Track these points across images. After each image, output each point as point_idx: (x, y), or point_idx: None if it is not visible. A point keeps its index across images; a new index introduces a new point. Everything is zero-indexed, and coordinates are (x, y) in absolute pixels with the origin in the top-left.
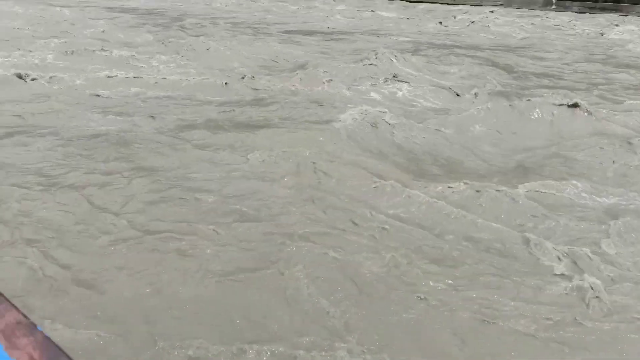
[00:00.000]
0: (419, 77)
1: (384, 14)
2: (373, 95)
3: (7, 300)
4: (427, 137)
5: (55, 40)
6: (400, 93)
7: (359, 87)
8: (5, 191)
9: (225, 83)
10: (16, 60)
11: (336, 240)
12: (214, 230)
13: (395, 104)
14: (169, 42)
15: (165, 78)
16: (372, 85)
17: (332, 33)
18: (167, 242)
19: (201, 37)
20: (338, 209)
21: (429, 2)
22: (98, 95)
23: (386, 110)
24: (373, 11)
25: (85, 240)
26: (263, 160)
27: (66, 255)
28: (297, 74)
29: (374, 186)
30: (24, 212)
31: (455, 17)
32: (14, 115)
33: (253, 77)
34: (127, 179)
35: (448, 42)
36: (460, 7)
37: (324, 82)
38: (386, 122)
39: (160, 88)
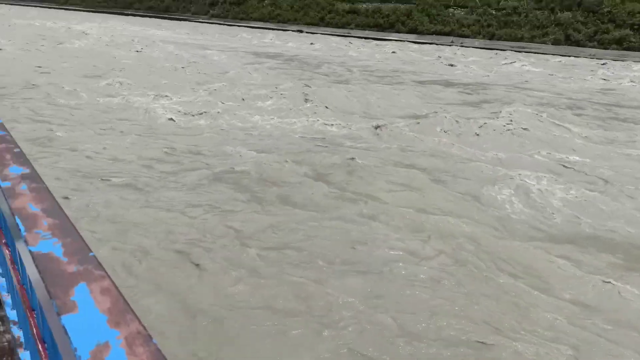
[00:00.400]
0: (587, 142)
1: (526, 67)
2: (538, 158)
3: (132, 311)
4: (632, 222)
5: (212, 85)
6: (571, 158)
7: (515, 148)
8: (153, 216)
9: (359, 133)
10: (177, 105)
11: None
12: (351, 301)
13: (569, 173)
14: (312, 89)
15: (311, 122)
16: (532, 147)
17: (471, 85)
18: (297, 304)
19: (341, 86)
20: (508, 304)
21: (565, 55)
22: (247, 136)
23: (561, 182)
24: (512, 62)
25: (220, 274)
26: (408, 229)
27: (200, 286)
28: (441, 129)
29: (559, 274)
30: (169, 236)
31: (607, 72)
32: (166, 150)
33: (396, 128)
34: (263, 217)
35: (608, 102)
36: (603, 61)
37: (473, 142)
38: (566, 197)
39: (304, 132)
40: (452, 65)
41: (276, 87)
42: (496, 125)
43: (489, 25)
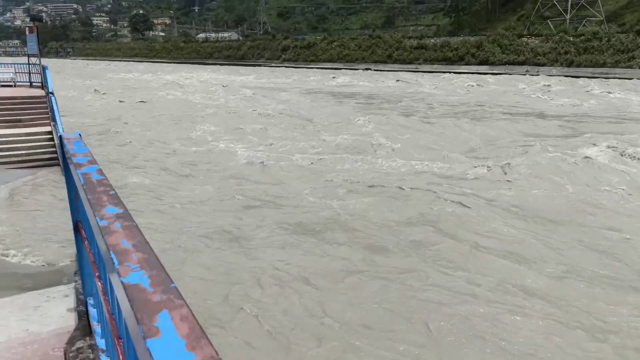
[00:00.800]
0: None
1: (622, 94)
2: None
3: (207, 337)
4: None
5: (296, 130)
6: None
7: None
8: (232, 264)
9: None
10: (261, 152)
11: None
12: None
13: None
14: (399, 130)
15: (405, 167)
16: None
17: (570, 116)
18: None
19: (428, 125)
20: None
21: None
22: (334, 180)
23: None
24: (608, 92)
25: (301, 334)
26: (539, 298)
27: (274, 346)
28: (558, 171)
29: None
30: (247, 285)
31: None
32: (249, 196)
33: (502, 170)
34: (350, 267)
35: None
36: None
37: (605, 187)
38: None
39: (396, 175)
40: (550, 98)
41: (361, 130)
42: (628, 168)
43: (566, 53)
